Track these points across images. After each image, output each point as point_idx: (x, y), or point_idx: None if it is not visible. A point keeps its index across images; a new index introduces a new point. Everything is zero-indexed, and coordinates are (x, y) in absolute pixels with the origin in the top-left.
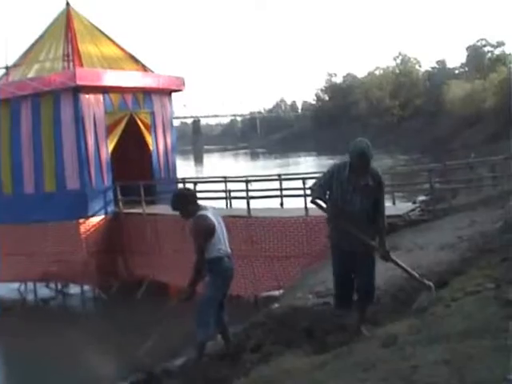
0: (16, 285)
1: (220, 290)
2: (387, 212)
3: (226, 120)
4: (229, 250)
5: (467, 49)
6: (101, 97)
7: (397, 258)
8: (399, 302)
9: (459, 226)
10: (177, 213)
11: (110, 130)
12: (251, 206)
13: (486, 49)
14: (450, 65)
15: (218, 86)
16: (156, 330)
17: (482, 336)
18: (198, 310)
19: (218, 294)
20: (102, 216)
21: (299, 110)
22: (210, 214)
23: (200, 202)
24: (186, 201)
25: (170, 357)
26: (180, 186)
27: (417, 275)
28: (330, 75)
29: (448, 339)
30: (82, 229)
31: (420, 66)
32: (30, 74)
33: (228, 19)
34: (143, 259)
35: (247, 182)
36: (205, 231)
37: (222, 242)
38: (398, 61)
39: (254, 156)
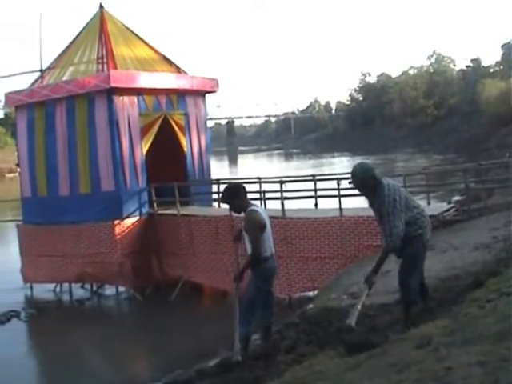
0: (51, 286)
1: (261, 290)
2: None
3: (260, 121)
4: (273, 250)
5: (502, 47)
6: (135, 99)
7: (431, 257)
8: (434, 302)
9: (494, 226)
10: (212, 212)
11: (144, 131)
12: (285, 207)
13: None
14: (484, 63)
15: (252, 86)
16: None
17: None
18: (240, 308)
19: (258, 293)
20: (137, 217)
21: (333, 111)
22: (260, 211)
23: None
24: (237, 194)
25: (204, 357)
26: (214, 186)
27: (355, 313)
28: (364, 75)
29: (482, 341)
30: (117, 230)
31: (454, 65)
32: (65, 77)
33: (263, 20)
34: (177, 260)
35: (281, 182)
36: (259, 225)
37: (270, 241)
38: (432, 60)
39: (288, 157)
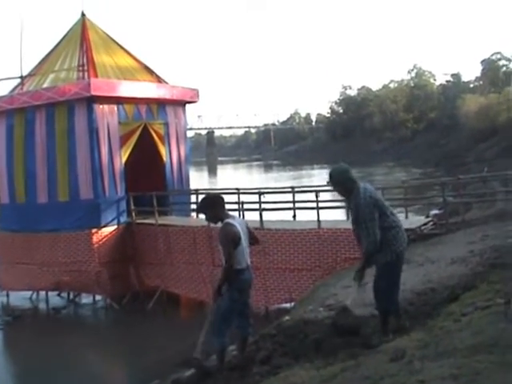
0: (28, 293)
1: (236, 302)
2: None
3: (240, 132)
4: (249, 262)
5: (482, 62)
6: (115, 107)
7: (408, 271)
8: (408, 316)
9: (471, 240)
10: (190, 223)
11: (123, 140)
12: (264, 218)
13: (501, 62)
14: (464, 78)
15: (233, 97)
16: (203, 329)
17: (491, 351)
18: (213, 320)
19: (233, 305)
20: (115, 226)
21: (313, 123)
22: (236, 223)
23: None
24: (213, 205)
25: (180, 367)
26: (193, 197)
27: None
28: (345, 88)
29: (456, 354)
30: (95, 239)
31: (435, 80)
32: (45, 84)
33: (243, 31)
34: (155, 270)
35: (260, 193)
36: (233, 239)
37: (245, 253)
38: (413, 74)
39: (268, 168)
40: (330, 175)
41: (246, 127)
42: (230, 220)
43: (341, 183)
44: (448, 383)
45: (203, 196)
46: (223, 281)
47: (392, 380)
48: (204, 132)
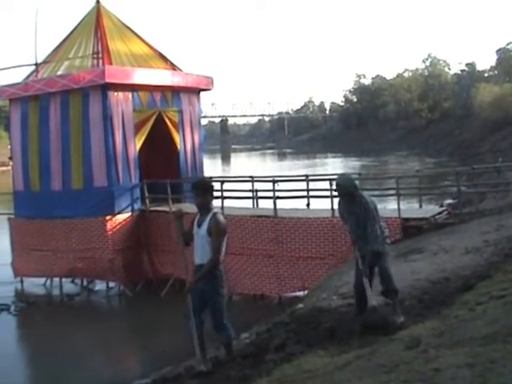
0: (42, 280)
1: (223, 296)
2: (414, 214)
3: (253, 120)
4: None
5: (497, 52)
6: (129, 95)
7: (422, 260)
8: (423, 305)
9: (486, 230)
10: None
11: (138, 127)
12: (278, 206)
13: None
14: (479, 68)
15: (247, 85)
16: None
17: (507, 341)
18: (215, 316)
19: (223, 299)
20: (129, 213)
21: (327, 111)
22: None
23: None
24: (210, 189)
25: (193, 355)
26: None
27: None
28: (359, 76)
29: (472, 343)
30: (109, 226)
31: (449, 69)
32: (60, 71)
33: (257, 19)
34: (168, 257)
35: (274, 181)
36: (225, 231)
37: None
38: (427, 63)
39: (281, 156)
40: (339, 184)
41: (259, 115)
42: (218, 210)
43: (348, 190)
44: (463, 372)
45: (200, 178)
46: (207, 272)
47: (407, 368)
48: (218, 120)
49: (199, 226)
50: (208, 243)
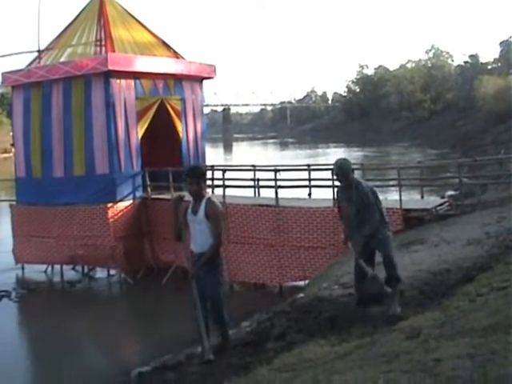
0: (43, 267)
1: (222, 285)
2: (416, 205)
3: (256, 109)
4: None
5: (501, 44)
6: (132, 82)
7: (423, 251)
8: (424, 295)
9: (487, 222)
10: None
11: (140, 115)
12: (279, 196)
13: None
14: (482, 59)
15: (249, 75)
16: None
17: (507, 331)
18: (214, 308)
19: (221, 289)
20: (130, 201)
21: (330, 101)
22: None
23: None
24: (203, 176)
25: (193, 342)
26: (209, 173)
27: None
28: (362, 67)
29: (472, 334)
30: (110, 213)
31: (452, 60)
32: (62, 58)
33: (262, 8)
34: (169, 245)
35: (276, 171)
36: (223, 214)
37: None
38: (431, 54)
39: (283, 146)
40: (340, 166)
41: (262, 105)
42: (212, 196)
43: (342, 171)
44: (464, 362)
45: (194, 165)
46: (211, 258)
47: (407, 358)
48: (220, 109)
49: (195, 213)
50: (208, 227)
